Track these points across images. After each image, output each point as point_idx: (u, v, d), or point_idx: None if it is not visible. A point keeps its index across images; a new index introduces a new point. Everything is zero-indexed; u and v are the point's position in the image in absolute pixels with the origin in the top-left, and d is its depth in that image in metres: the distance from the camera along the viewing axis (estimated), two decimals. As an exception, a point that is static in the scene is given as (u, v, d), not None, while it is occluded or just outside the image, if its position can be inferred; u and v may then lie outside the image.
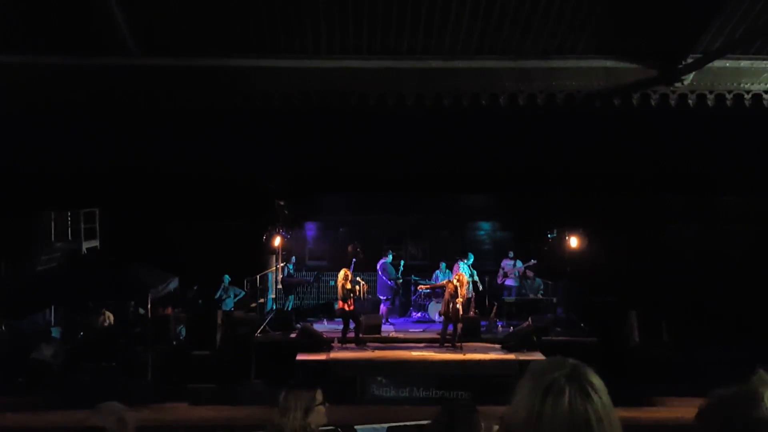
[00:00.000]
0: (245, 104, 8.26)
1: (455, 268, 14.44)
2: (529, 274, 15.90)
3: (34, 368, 12.28)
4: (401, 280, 15.59)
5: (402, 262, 15.77)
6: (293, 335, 13.25)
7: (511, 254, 16.06)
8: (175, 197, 15.29)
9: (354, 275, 13.42)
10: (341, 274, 12.89)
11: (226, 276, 15.27)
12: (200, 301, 15.27)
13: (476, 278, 15.00)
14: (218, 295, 15.22)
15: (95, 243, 15.88)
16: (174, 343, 13.61)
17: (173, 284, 13.96)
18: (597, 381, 1.56)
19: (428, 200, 17.00)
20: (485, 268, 15.77)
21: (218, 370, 12.33)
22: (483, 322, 14.35)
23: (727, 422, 1.59)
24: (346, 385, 11.67)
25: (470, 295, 14.49)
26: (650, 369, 12.09)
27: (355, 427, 8.45)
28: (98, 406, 3.40)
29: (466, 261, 14.85)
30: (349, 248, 16.14)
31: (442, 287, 13.35)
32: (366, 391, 11.87)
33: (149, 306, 12.75)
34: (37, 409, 10.22)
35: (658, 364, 12.28)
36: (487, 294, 15.33)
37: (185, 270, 14.71)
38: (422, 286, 14.82)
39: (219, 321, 13.28)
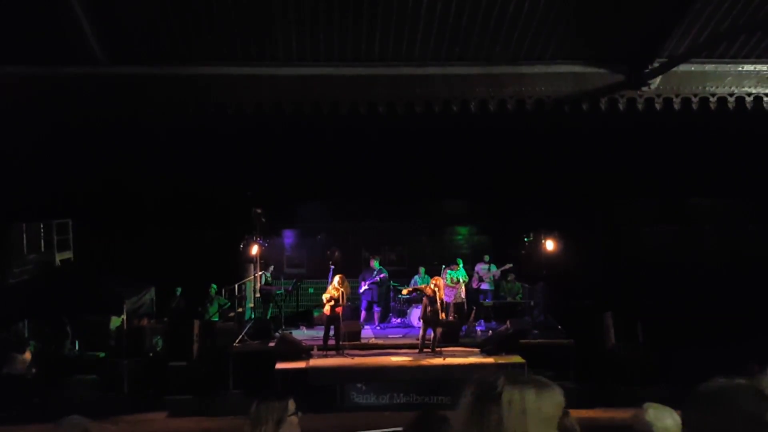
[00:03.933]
0: (216, 112, 8.23)
1: (443, 275, 14.47)
2: (510, 277, 16.01)
3: (6, 383, 12.07)
4: (384, 274, 15.57)
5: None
6: (272, 344, 13.19)
7: (486, 258, 16.14)
8: (150, 206, 15.18)
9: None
10: (338, 279, 12.88)
11: (214, 285, 15.18)
12: (197, 311, 15.03)
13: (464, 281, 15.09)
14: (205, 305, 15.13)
15: (69, 254, 15.64)
16: (150, 354, 13.46)
17: (149, 295, 13.84)
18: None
19: (405, 206, 17.05)
20: (463, 272, 15.82)
21: (196, 381, 12.25)
22: (463, 327, 14.42)
23: (730, 414, 1.59)
24: (326, 392, 11.65)
25: (454, 300, 14.54)
26: (626, 370, 12.23)
27: (333, 435, 8.44)
28: (61, 421, 3.36)
29: (456, 269, 14.89)
30: (336, 254, 16.19)
31: (422, 291, 13.37)
32: (346, 399, 11.85)
33: (125, 317, 12.62)
34: (8, 424, 10.04)
35: (634, 365, 12.42)
36: (466, 298, 15.38)
37: (161, 281, 14.58)
38: (407, 290, 14.78)
39: (196, 331, 13.18)
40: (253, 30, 7.67)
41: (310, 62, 8.03)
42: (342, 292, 12.82)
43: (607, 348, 13.38)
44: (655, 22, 7.82)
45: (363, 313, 15.50)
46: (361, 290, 15.38)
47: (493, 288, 15.97)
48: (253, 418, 3.60)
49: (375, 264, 15.56)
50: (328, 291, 12.91)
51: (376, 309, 15.60)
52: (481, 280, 15.91)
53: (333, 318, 12.81)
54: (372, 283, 15.39)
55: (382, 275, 15.50)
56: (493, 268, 15.89)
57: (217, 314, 14.96)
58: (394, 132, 11.12)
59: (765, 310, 12.92)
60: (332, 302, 12.67)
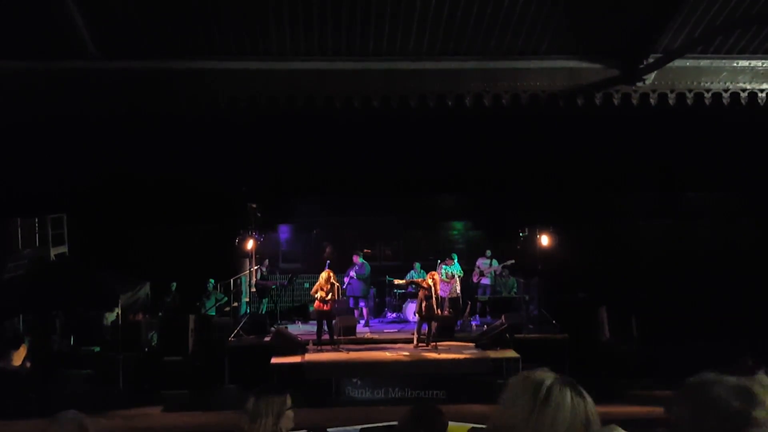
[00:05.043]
0: (210, 107, 8.20)
1: (438, 270, 14.47)
2: (504, 272, 16.05)
3: (1, 378, 12.04)
4: (357, 267, 15.49)
5: None
6: (267, 339, 13.20)
7: (488, 253, 16.15)
8: (145, 202, 15.14)
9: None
10: (324, 275, 12.88)
11: (211, 280, 15.19)
12: (195, 305, 14.98)
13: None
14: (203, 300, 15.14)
15: (64, 249, 15.61)
16: (145, 349, 13.46)
17: (144, 290, 13.82)
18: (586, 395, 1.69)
19: (401, 201, 17.04)
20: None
21: (191, 376, 12.25)
22: (458, 321, 14.46)
23: (721, 415, 1.58)
24: (322, 387, 11.69)
25: (449, 294, 14.56)
26: (620, 364, 12.27)
27: (328, 429, 8.45)
28: (56, 415, 3.36)
29: (452, 264, 14.88)
30: (327, 250, 16.13)
31: (418, 284, 13.40)
32: (341, 393, 11.88)
33: (119, 312, 12.61)
34: (3, 418, 10.04)
35: (628, 359, 12.48)
36: (461, 293, 15.42)
37: (156, 275, 14.56)
38: (398, 281, 14.79)
39: (191, 326, 13.18)
40: (246, 24, 7.64)
41: (304, 57, 8.00)
42: (334, 287, 12.82)
43: (602, 342, 13.43)
44: (650, 17, 7.82)
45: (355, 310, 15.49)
46: (345, 286, 15.36)
47: (493, 283, 16.02)
48: (251, 413, 3.61)
49: (359, 259, 15.52)
50: (315, 286, 12.94)
51: (361, 304, 15.50)
52: (481, 274, 15.95)
53: (323, 313, 12.81)
54: (351, 278, 15.35)
55: (356, 268, 15.37)
56: (495, 263, 15.93)
57: (214, 309, 14.98)
58: (388, 127, 11.10)
59: (759, 305, 12.98)
60: (327, 297, 12.67)
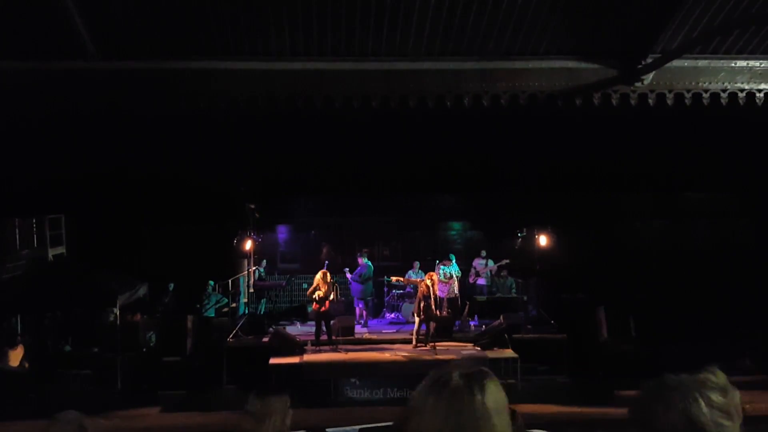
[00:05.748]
0: (209, 107, 8.19)
1: (436, 270, 14.47)
2: (503, 272, 16.07)
3: (0, 378, 12.02)
4: (359, 268, 15.50)
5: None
6: (266, 339, 13.19)
7: (483, 253, 16.18)
8: (143, 202, 15.13)
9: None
10: (319, 275, 12.89)
11: (211, 281, 15.17)
12: (195, 307, 14.99)
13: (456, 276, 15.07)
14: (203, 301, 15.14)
15: (62, 250, 15.59)
16: (144, 349, 13.44)
17: (142, 290, 13.82)
18: (493, 385, 1.56)
19: (399, 201, 17.05)
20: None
21: (189, 376, 12.24)
22: (456, 322, 14.47)
23: (661, 415, 1.59)
24: (320, 387, 11.68)
25: (448, 295, 14.57)
26: (618, 364, 12.28)
27: (326, 429, 8.45)
28: (56, 416, 3.36)
29: (449, 265, 14.88)
30: (325, 250, 16.11)
31: (415, 284, 13.41)
32: (340, 393, 11.88)
33: (118, 312, 12.60)
34: (2, 419, 10.01)
35: (626, 359, 12.48)
36: (460, 293, 15.44)
37: (154, 276, 14.56)
38: (395, 278, 14.81)
39: (190, 326, 13.17)
40: (246, 24, 7.64)
41: (303, 57, 8.01)
42: (332, 287, 12.83)
43: (600, 342, 13.45)
44: (649, 17, 7.84)
45: (357, 309, 15.50)
46: (351, 286, 15.40)
47: (490, 283, 16.04)
48: (257, 413, 3.61)
49: (363, 260, 15.53)
50: (311, 287, 12.96)
51: (361, 305, 15.46)
52: (477, 275, 15.96)
53: (320, 314, 12.82)
54: (352, 279, 15.34)
55: (357, 269, 15.37)
56: (491, 263, 15.95)
57: (213, 309, 14.97)
58: (387, 127, 11.11)
59: (758, 305, 13.00)
60: (325, 297, 12.68)
